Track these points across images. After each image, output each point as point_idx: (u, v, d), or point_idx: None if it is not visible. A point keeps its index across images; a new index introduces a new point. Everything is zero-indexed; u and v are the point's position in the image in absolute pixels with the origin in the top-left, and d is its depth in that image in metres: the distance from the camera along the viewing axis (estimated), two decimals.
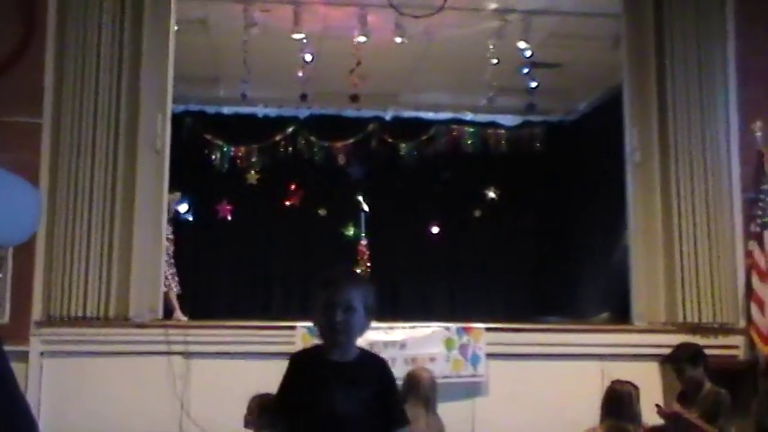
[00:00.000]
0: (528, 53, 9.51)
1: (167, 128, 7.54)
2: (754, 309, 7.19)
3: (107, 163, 7.09)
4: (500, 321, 7.94)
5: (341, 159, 12.44)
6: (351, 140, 12.47)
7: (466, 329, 7.34)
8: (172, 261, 9.01)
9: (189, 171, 11.88)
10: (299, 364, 3.13)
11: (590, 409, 5.81)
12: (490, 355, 7.28)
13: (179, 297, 9.02)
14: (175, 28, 7.85)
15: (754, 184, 7.47)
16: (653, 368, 7.20)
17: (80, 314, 6.87)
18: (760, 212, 7.32)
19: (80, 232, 6.96)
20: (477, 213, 12.74)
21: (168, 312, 8.49)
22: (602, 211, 10.61)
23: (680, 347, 6.58)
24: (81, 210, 6.99)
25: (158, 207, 7.40)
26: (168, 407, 6.84)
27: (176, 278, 9.01)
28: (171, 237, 8.94)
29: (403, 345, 7.18)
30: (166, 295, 8.68)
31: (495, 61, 9.70)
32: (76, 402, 6.77)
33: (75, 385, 6.84)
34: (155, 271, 7.31)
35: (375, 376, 3.10)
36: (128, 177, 7.13)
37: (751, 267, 7.32)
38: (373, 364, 3.18)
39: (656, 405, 6.02)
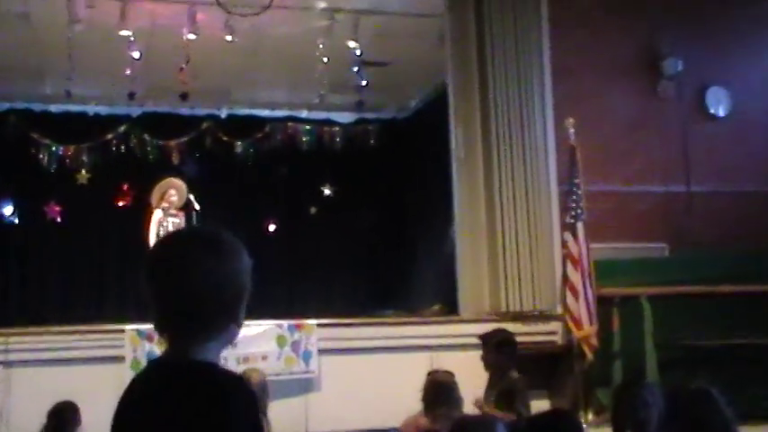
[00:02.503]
0: (357, 52, 9.65)
1: None
2: (569, 296, 7.59)
3: None
4: (338, 317, 8.06)
5: (175, 158, 12.20)
6: (185, 139, 12.28)
7: (297, 326, 7.42)
8: None
9: (14, 171, 11.49)
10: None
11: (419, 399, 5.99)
12: (323, 351, 7.38)
13: None
14: None
15: (568, 178, 7.88)
16: (478, 356, 7.47)
17: None
18: (573, 204, 7.73)
19: None
20: (314, 210, 12.81)
21: None
22: (434, 206, 10.88)
23: (489, 333, 6.66)
24: None
25: None
26: None
27: None
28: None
29: (235, 344, 7.16)
30: None
31: (325, 59, 9.78)
32: None
33: None
34: None
35: None
36: None
37: (566, 257, 7.72)
38: None
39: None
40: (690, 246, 8.48)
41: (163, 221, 8.64)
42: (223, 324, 1.96)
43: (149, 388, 1.95)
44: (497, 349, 6.35)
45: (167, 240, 2.17)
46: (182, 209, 8.90)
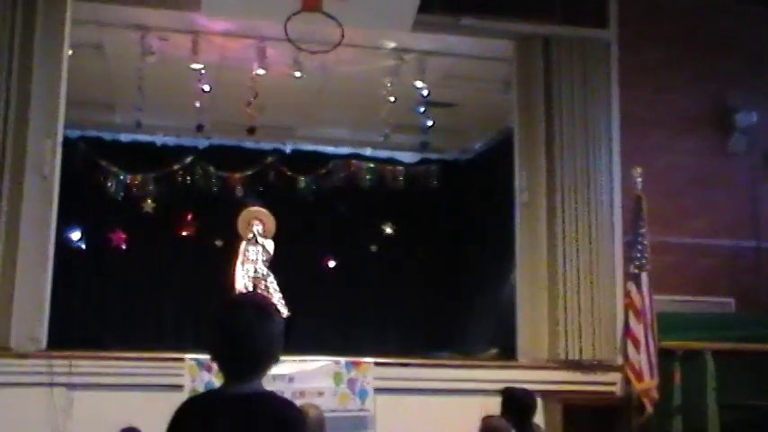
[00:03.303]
0: (424, 92, 9.68)
1: (57, 154, 7.41)
2: (629, 347, 7.47)
3: None
4: (393, 356, 8.03)
5: (238, 191, 12.34)
6: (249, 172, 12.43)
7: (354, 364, 7.41)
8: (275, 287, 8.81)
9: (82, 198, 11.70)
10: None
11: None
12: (378, 390, 7.35)
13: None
14: (69, 53, 7.76)
15: (633, 228, 7.78)
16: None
17: None
18: (638, 254, 7.63)
19: None
20: (374, 248, 12.82)
21: None
22: (494, 249, 10.83)
23: (507, 388, 5.94)
24: None
25: (45, 233, 7.24)
26: None
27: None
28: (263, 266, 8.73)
29: (291, 378, 7.19)
30: None
31: (392, 99, 9.84)
32: None
33: None
34: (39, 299, 7.13)
35: None
36: (13, 203, 6.98)
37: (628, 307, 7.60)
38: None
39: None
40: (756, 303, 8.29)
41: (245, 251, 8.80)
42: (270, 367, 2.59)
43: (216, 410, 2.49)
44: (503, 406, 5.98)
45: (230, 308, 2.66)
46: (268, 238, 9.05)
